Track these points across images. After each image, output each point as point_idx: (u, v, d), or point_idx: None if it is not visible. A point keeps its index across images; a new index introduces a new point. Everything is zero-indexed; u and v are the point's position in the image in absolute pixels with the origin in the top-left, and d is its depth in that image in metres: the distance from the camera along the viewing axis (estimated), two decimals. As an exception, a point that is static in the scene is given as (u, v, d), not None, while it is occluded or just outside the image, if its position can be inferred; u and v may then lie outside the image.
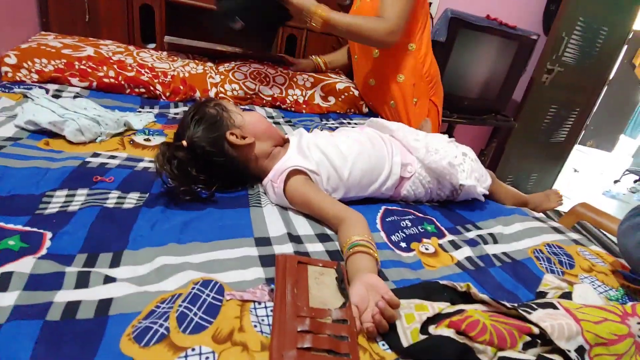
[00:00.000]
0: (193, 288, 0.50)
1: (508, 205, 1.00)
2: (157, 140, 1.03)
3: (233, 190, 0.82)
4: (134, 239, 0.60)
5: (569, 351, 0.46)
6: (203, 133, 0.77)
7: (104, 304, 0.46)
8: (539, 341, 0.47)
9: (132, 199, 0.72)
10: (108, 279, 0.51)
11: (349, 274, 0.57)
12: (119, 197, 0.71)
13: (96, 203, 0.67)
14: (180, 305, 0.47)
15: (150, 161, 0.83)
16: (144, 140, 1.01)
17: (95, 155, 0.88)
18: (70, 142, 0.92)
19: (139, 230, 0.63)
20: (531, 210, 0.99)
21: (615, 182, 4.05)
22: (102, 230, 0.61)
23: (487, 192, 0.92)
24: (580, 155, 4.88)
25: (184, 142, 0.76)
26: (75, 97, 1.20)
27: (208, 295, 0.49)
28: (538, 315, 0.50)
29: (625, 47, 2.76)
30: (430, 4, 1.34)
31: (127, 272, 0.53)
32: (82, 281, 0.49)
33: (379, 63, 1.35)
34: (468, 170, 0.86)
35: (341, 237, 0.66)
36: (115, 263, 0.54)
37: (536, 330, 0.47)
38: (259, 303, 0.50)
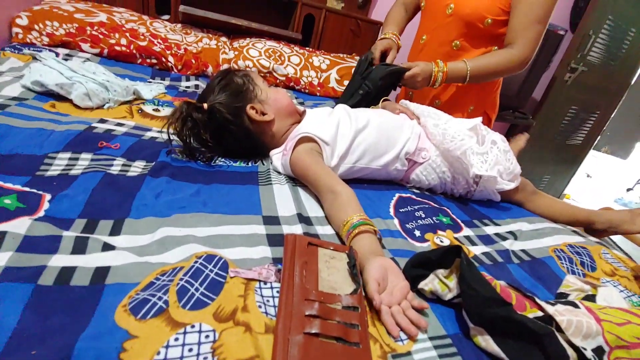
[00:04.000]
0: (196, 262, 0.47)
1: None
2: (166, 111, 0.99)
3: (242, 163, 0.79)
4: (137, 208, 0.57)
5: (584, 349, 0.43)
6: (226, 99, 0.77)
7: (101, 272, 0.44)
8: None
9: (137, 167, 0.69)
10: (107, 247, 0.48)
11: (359, 255, 0.53)
12: (123, 165, 0.68)
13: (100, 168, 0.64)
14: (181, 279, 0.44)
15: (159, 131, 0.80)
16: (153, 110, 0.98)
17: (102, 121, 0.85)
18: (77, 106, 0.89)
19: (142, 199, 0.60)
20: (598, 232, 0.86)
21: (628, 190, 3.96)
22: (104, 196, 0.58)
23: (511, 187, 0.84)
24: (594, 161, 4.77)
25: (205, 105, 0.76)
26: (85, 62, 1.17)
27: (211, 270, 0.46)
28: (556, 309, 0.47)
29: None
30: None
31: (127, 241, 0.50)
32: (80, 247, 0.47)
33: (454, 55, 1.06)
34: (491, 162, 0.80)
35: (336, 213, 0.62)
36: (115, 231, 0.51)
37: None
38: (265, 283, 0.47)
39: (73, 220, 0.51)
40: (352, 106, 0.95)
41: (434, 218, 0.74)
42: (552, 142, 2.68)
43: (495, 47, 1.03)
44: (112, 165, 0.67)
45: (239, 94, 0.79)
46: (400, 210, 0.75)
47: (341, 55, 1.69)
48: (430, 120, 0.86)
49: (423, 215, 0.75)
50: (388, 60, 1.08)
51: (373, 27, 1.87)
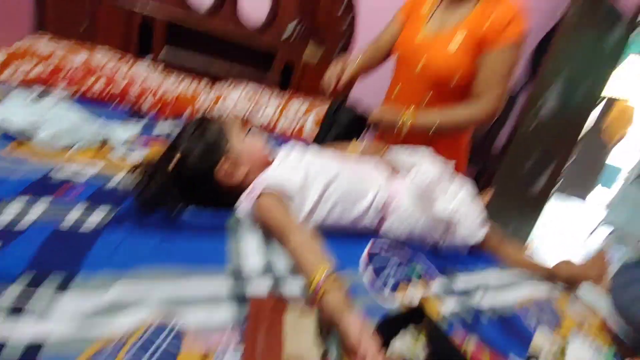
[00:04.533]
0: (145, 332, 0.43)
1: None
2: (137, 155, 0.97)
3: (212, 211, 0.77)
4: (91, 262, 0.53)
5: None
6: (196, 155, 0.74)
7: (33, 351, 0.39)
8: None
9: (97, 216, 0.65)
10: (46, 314, 0.43)
11: (329, 313, 0.51)
12: (82, 214, 0.65)
13: (55, 217, 0.61)
14: (127, 352, 0.40)
15: (125, 177, 0.75)
16: (122, 155, 0.96)
17: (65, 166, 0.81)
18: (42, 150, 0.85)
19: (98, 252, 0.56)
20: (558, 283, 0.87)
21: (590, 235, 4.15)
22: (55, 249, 0.54)
23: (480, 238, 0.87)
24: (556, 206, 5.02)
25: (173, 163, 0.72)
26: (57, 103, 1.15)
27: (163, 342, 0.42)
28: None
29: (597, 109, 2.93)
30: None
31: (72, 303, 0.45)
32: (15, 313, 0.42)
33: (425, 108, 1.10)
34: (457, 203, 0.83)
35: (302, 264, 0.60)
36: (62, 289, 0.47)
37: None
38: (224, 353, 0.44)
39: (15, 278, 0.47)
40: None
41: (405, 270, 0.74)
42: (515, 188, 2.82)
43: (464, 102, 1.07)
44: (68, 214, 0.64)
45: (211, 148, 0.75)
46: (372, 262, 0.74)
47: (318, 100, 1.75)
48: (403, 157, 0.89)
49: (394, 268, 0.74)
50: (344, 78, 1.11)
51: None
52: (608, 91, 3.13)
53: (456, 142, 1.17)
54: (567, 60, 2.42)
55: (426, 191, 0.83)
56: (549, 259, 0.97)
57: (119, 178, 0.81)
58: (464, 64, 1.02)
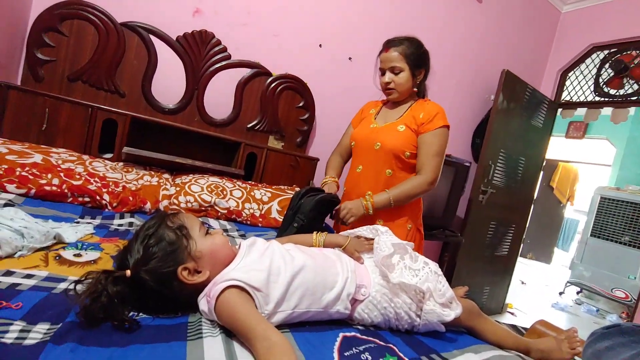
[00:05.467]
0: None
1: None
2: (89, 255, 0.92)
3: (170, 317, 0.71)
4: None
5: None
6: (154, 265, 0.68)
7: None
8: None
9: (38, 333, 0.58)
10: None
11: None
12: (21, 330, 0.58)
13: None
14: None
15: (74, 282, 0.66)
16: (74, 255, 0.90)
17: (8, 273, 0.75)
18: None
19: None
20: None
21: (560, 294, 4.22)
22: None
23: (452, 317, 0.85)
24: (524, 268, 5.15)
25: (128, 273, 0.67)
26: (5, 205, 1.10)
27: None
28: None
29: (542, 173, 3.25)
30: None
31: None
32: None
33: (382, 183, 1.31)
34: (422, 277, 0.84)
35: None
36: None
37: None
38: None
39: None
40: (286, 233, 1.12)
41: (380, 360, 0.70)
42: (483, 255, 2.90)
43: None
44: (7, 332, 0.57)
45: (170, 254, 0.69)
46: (345, 354, 0.70)
47: (282, 187, 1.80)
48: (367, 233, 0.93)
49: (369, 358, 0.70)
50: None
51: (310, 162, 2.09)
52: (550, 155, 3.52)
53: (414, 211, 1.37)
54: (505, 136, 2.74)
55: (387, 265, 0.85)
56: (525, 318, 0.98)
57: (69, 281, 0.74)
58: (411, 140, 1.29)
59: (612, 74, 2.85)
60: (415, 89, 1.35)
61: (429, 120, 1.27)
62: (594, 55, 2.99)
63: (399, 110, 1.36)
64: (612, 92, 2.85)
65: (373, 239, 0.96)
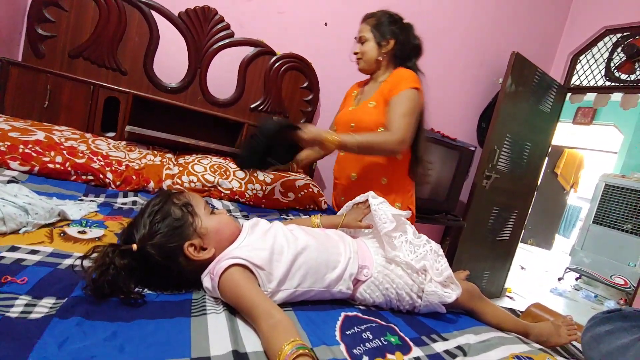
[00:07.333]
0: None
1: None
2: (94, 232, 0.92)
3: (174, 293, 0.72)
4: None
5: None
6: (160, 240, 0.68)
7: None
8: None
9: (43, 307, 0.59)
10: None
11: None
12: (27, 304, 0.59)
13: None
14: None
15: (80, 257, 0.67)
16: (78, 232, 0.90)
17: (13, 249, 0.75)
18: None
19: (42, 350, 0.50)
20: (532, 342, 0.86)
21: (559, 279, 4.26)
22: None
23: (453, 299, 0.86)
24: (524, 253, 5.18)
25: (134, 246, 0.67)
26: (9, 182, 1.10)
27: None
28: None
29: (547, 159, 3.21)
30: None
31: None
32: None
33: (365, 163, 1.37)
34: (420, 255, 0.85)
35: (273, 342, 0.57)
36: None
37: None
38: None
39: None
40: (246, 158, 1.20)
41: (382, 339, 0.71)
42: (484, 240, 2.91)
43: None
44: (12, 306, 0.57)
45: (176, 229, 0.70)
46: (347, 332, 0.71)
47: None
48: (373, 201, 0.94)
49: (371, 337, 0.71)
50: (303, 155, 1.39)
51: (314, 144, 2.07)
52: (556, 141, 3.46)
53: (396, 173, 1.38)
54: (512, 121, 2.70)
55: (388, 242, 0.86)
56: (524, 302, 0.99)
57: (74, 257, 0.75)
58: (383, 114, 1.29)
59: (623, 58, 2.77)
60: (380, 59, 1.35)
61: (395, 85, 1.27)
62: (606, 39, 2.91)
63: (374, 87, 1.38)
64: (623, 77, 2.78)
65: (367, 201, 0.98)
